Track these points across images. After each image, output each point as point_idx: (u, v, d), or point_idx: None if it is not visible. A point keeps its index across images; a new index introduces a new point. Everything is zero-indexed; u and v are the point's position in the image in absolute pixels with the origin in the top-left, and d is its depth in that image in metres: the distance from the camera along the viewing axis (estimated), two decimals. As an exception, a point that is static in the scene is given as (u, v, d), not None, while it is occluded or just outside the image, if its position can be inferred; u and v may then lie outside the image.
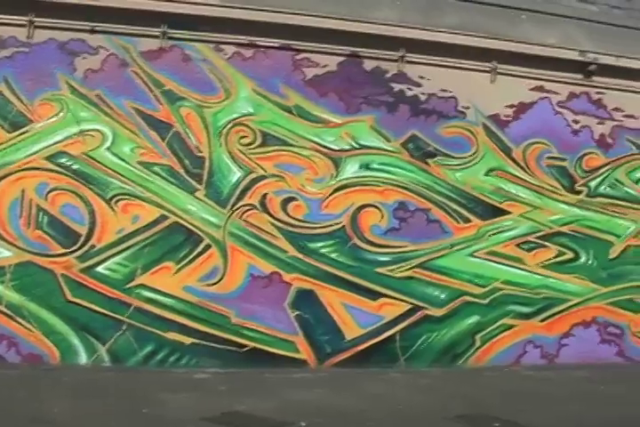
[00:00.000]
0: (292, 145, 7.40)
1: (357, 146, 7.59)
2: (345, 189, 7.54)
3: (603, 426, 5.75)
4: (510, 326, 7.97)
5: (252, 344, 7.22)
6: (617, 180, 8.49)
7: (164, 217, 7.03)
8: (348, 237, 7.49)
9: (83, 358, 6.85)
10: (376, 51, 7.62)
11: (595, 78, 8.41)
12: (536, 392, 6.77)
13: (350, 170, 7.57)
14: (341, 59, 7.56)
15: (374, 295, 7.53)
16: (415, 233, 7.64)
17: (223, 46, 7.23)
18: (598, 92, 8.45)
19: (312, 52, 7.45)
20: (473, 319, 7.84)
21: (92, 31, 6.89)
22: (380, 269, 7.54)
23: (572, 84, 8.36)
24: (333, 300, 7.43)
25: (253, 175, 7.30)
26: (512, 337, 7.99)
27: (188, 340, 7.05)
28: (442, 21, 7.74)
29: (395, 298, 7.59)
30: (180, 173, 7.11)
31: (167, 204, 7.04)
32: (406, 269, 7.61)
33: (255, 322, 7.22)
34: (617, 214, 8.46)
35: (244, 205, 7.25)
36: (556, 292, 8.15)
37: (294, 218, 7.37)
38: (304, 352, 7.35)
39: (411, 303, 7.64)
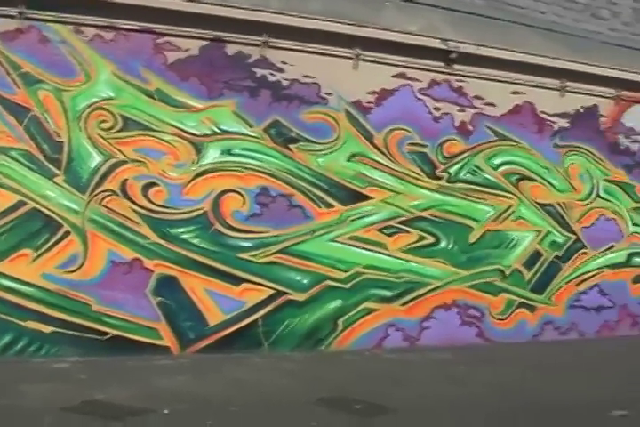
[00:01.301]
0: (153, 130, 8.17)
1: (219, 131, 8.49)
2: (206, 175, 8.40)
3: (462, 406, 6.62)
4: (372, 310, 9.16)
5: (114, 332, 7.91)
6: (476, 166, 9.92)
7: (21, 203, 7.62)
8: (210, 222, 8.37)
9: (-63, 351, 7.46)
10: (239, 35, 8.51)
11: (456, 66, 9.74)
12: (397, 375, 7.78)
13: (212, 155, 8.44)
14: (204, 43, 8.39)
15: (237, 281, 8.46)
16: (277, 218, 8.64)
17: (83, 28, 7.88)
18: (459, 80, 9.83)
19: (174, 35, 8.24)
20: (335, 304, 8.96)
21: (-56, 11, 7.46)
22: (242, 255, 8.48)
23: (434, 72, 9.66)
24: (196, 286, 8.29)
25: (113, 160, 8.01)
26: (374, 321, 9.18)
27: (47, 329, 7.65)
28: (305, 7, 8.78)
29: (257, 283, 8.55)
30: (39, 158, 7.72)
31: (25, 189, 7.63)
32: (268, 255, 8.59)
33: (116, 309, 7.94)
34: (476, 200, 9.89)
35: (103, 191, 7.96)
36: (417, 276, 9.44)
37: (155, 204, 8.17)
38: (167, 339, 8.17)
39: (273, 288, 8.63)
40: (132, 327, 8.02)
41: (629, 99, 11.08)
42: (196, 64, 8.35)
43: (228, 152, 8.51)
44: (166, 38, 8.21)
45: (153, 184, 8.16)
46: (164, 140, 8.21)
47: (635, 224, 11.15)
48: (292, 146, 8.79)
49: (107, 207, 7.96)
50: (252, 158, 8.60)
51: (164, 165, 8.20)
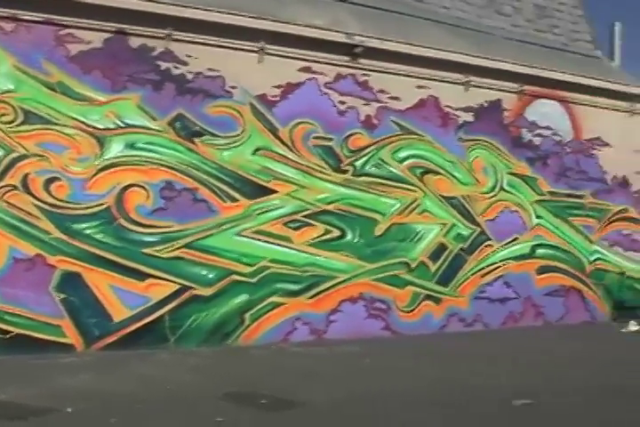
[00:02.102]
0: (55, 123, 8.45)
1: (122, 125, 8.82)
2: (110, 169, 8.71)
3: (368, 398, 6.86)
4: (279, 304, 9.63)
5: (16, 330, 8.14)
6: (381, 159, 10.49)
7: None
8: (114, 217, 8.68)
9: None
10: (143, 28, 8.88)
11: (361, 60, 10.33)
12: (304, 368, 8.14)
13: (115, 149, 8.76)
14: (107, 35, 8.73)
15: (141, 276, 8.80)
16: (182, 213, 9.02)
17: (-18, 19, 8.16)
18: (364, 75, 10.43)
19: (76, 27, 8.54)
20: (241, 298, 9.38)
21: None
22: (146, 250, 8.82)
23: (339, 66, 10.22)
24: (100, 282, 8.59)
25: (14, 155, 8.24)
26: (281, 315, 9.64)
27: (-53, 328, 7.94)
28: (210, 0, 9.14)
29: (162, 278, 8.90)
30: (-63, 153, 7.98)
31: None
32: (173, 250, 8.95)
33: (19, 307, 8.17)
34: (382, 193, 10.46)
35: (4, 186, 8.18)
36: (324, 269, 9.96)
37: (58, 199, 8.43)
38: (71, 336, 8.44)
39: (179, 283, 8.99)
40: (35, 325, 8.24)
41: (532, 93, 11.87)
42: (98, 57, 8.65)
43: (132, 146, 8.83)
44: (68, 30, 8.50)
45: (55, 179, 8.40)
46: (66, 133, 8.48)
47: (538, 217, 11.92)
48: (196, 140, 9.17)
49: (7, 203, 8.19)
50: (156, 152, 8.93)
51: (67, 160, 8.46)
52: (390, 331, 10.40)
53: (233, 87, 9.36)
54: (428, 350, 9.45)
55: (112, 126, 8.71)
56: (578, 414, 6.54)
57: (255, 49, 9.49)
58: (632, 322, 11.61)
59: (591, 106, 12.40)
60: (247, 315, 9.36)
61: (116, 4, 8.52)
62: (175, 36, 8.98)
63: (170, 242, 8.89)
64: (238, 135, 9.37)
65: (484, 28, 11.45)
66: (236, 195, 9.31)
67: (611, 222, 12.59)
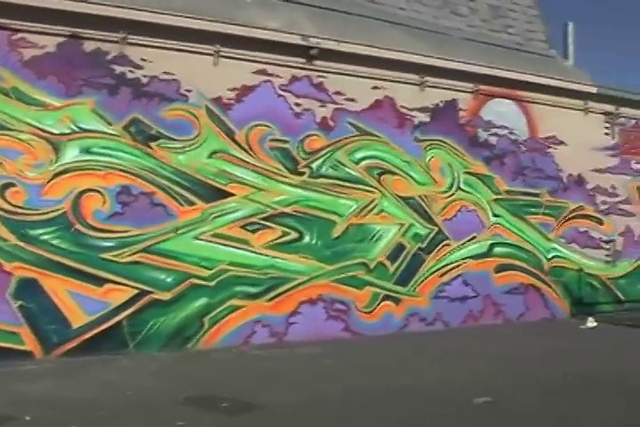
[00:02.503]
0: (9, 129, 8.58)
1: (78, 129, 8.97)
2: (66, 174, 8.84)
3: (328, 400, 6.95)
4: (238, 307, 9.81)
5: (-27, 338, 8.29)
6: (338, 161, 10.72)
7: None
8: (70, 222, 8.80)
9: None
10: (97, 32, 9.04)
11: (317, 62, 10.57)
12: (264, 371, 8.28)
13: (71, 154, 8.90)
14: (61, 39, 8.87)
15: (100, 281, 8.94)
16: (139, 217, 9.17)
17: None
18: (320, 76, 10.66)
19: (29, 32, 8.67)
20: (201, 302, 9.55)
21: None
22: (104, 255, 8.97)
23: (295, 68, 10.45)
24: (58, 288, 8.71)
25: (-32, 161, 8.40)
26: (240, 318, 9.82)
27: None
28: (165, 3, 9.41)
29: (121, 283, 9.04)
30: None
31: None
32: (131, 254, 9.10)
33: (-25, 315, 8.31)
34: (339, 194, 10.69)
35: (-41, 193, 8.33)
36: (282, 271, 10.16)
37: (14, 205, 8.53)
38: (30, 344, 8.55)
39: (137, 288, 9.14)
40: (-8, 333, 8.40)
41: (487, 93, 12.18)
42: (52, 61, 8.79)
43: (88, 151, 8.96)
44: (21, 35, 8.63)
45: (10, 185, 8.51)
46: (20, 139, 8.60)
47: (495, 215, 12.22)
48: (152, 143, 9.33)
49: (-37, 209, 8.33)
50: (113, 157, 9.08)
51: (22, 165, 8.59)
52: (351, 332, 10.60)
53: (188, 90, 9.53)
54: (389, 350, 9.61)
55: (67, 131, 8.84)
56: (536, 413, 6.67)
57: (210, 52, 9.67)
58: (590, 319, 11.94)
59: (546, 104, 12.75)
60: (207, 318, 9.51)
61: (69, 8, 8.67)
62: (130, 40, 9.14)
63: (127, 246, 9.03)
64: (194, 138, 9.54)
65: (440, 29, 11.68)
66: (194, 198, 9.48)
67: (567, 220, 12.95)
